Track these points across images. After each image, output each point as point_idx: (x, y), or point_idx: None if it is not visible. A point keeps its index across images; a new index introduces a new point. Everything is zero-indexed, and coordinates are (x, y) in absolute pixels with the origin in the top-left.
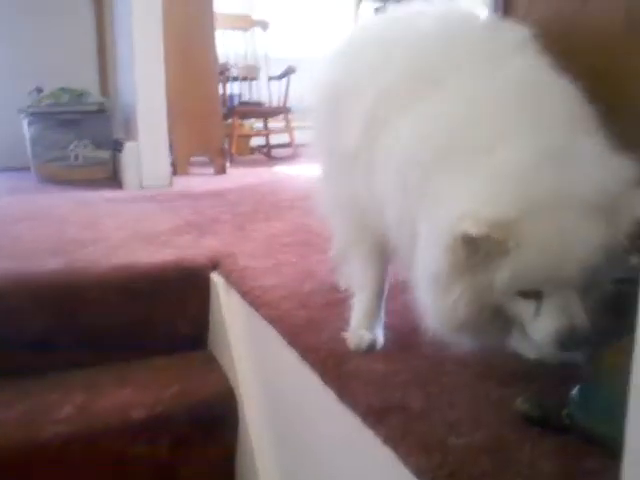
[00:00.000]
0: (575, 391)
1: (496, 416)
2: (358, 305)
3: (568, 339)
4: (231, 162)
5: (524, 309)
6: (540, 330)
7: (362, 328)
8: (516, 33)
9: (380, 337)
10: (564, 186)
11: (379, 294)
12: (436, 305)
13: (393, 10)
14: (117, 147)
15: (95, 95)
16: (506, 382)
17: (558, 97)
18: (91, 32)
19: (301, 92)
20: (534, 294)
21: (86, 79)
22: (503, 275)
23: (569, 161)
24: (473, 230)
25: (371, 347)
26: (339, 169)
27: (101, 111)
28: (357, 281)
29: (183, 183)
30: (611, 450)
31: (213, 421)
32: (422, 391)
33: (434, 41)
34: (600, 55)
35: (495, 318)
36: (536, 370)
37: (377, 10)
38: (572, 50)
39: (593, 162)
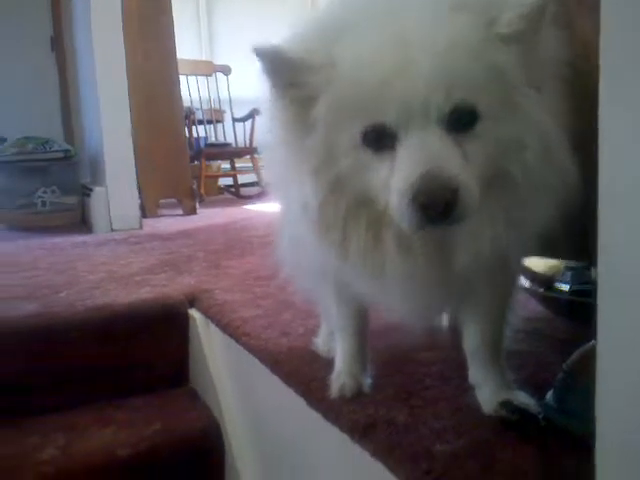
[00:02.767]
0: (549, 395)
1: (478, 423)
2: (340, 348)
3: (427, 188)
4: (200, 202)
5: (379, 170)
6: (394, 187)
7: (346, 374)
8: None
9: (366, 382)
10: None
11: (360, 335)
12: (299, 201)
13: None
14: (85, 192)
15: (60, 142)
16: None
17: None
18: (54, 80)
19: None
20: (386, 145)
21: (50, 127)
22: (328, 106)
23: None
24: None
25: (355, 395)
26: None
27: (67, 158)
28: (336, 322)
29: (153, 225)
30: (587, 446)
31: (199, 456)
32: (406, 405)
33: None
34: None
35: (359, 210)
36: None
37: None
38: None
39: None
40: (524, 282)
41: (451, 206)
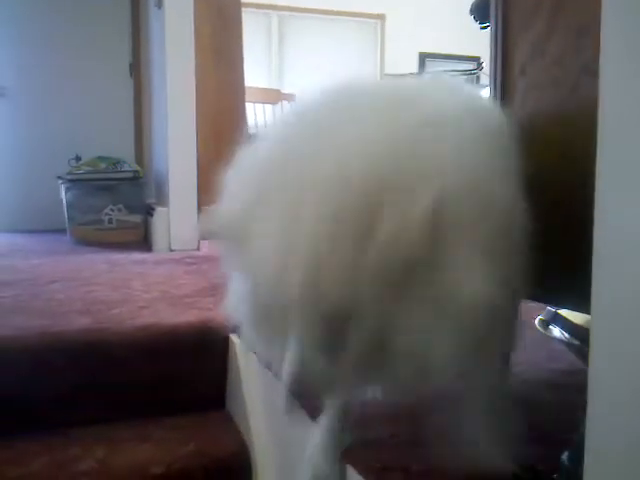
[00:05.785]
0: (565, 456)
1: (491, 477)
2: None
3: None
4: None
5: None
6: None
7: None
8: None
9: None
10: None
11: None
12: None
13: None
14: (149, 212)
15: (130, 163)
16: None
17: None
18: (129, 104)
19: None
20: None
21: (123, 147)
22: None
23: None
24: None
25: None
26: None
27: (135, 178)
28: None
29: (210, 247)
30: None
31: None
32: (422, 453)
33: None
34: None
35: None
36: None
37: None
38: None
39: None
40: (562, 334)
41: None
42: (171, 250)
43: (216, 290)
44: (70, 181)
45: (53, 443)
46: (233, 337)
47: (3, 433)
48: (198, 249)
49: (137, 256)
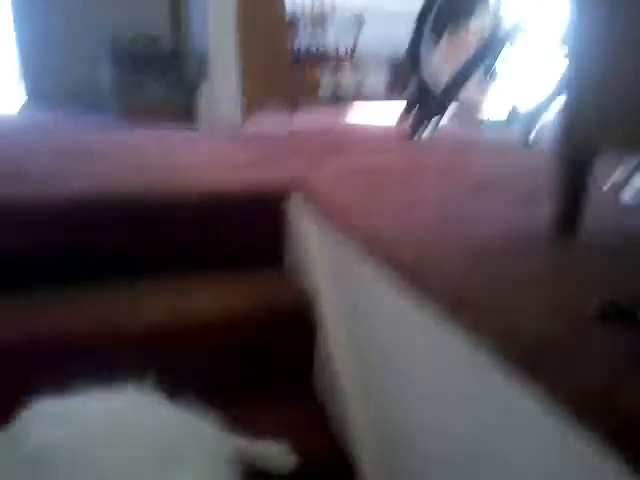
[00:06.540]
0: None
1: (574, 312)
2: None
3: None
4: (300, 107)
5: None
6: None
7: None
8: None
9: None
10: None
11: None
12: None
13: None
14: (192, 88)
15: (169, 39)
16: (585, 284)
17: None
18: None
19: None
20: None
21: (160, 25)
22: None
23: None
24: None
25: None
26: None
27: (175, 54)
28: None
29: (253, 123)
30: None
31: (292, 325)
32: (497, 290)
33: None
34: None
35: None
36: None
37: None
38: None
39: None
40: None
41: None
42: (215, 126)
43: (263, 161)
44: (112, 58)
45: (124, 292)
46: (295, 195)
47: (72, 281)
48: (242, 125)
49: (183, 131)
